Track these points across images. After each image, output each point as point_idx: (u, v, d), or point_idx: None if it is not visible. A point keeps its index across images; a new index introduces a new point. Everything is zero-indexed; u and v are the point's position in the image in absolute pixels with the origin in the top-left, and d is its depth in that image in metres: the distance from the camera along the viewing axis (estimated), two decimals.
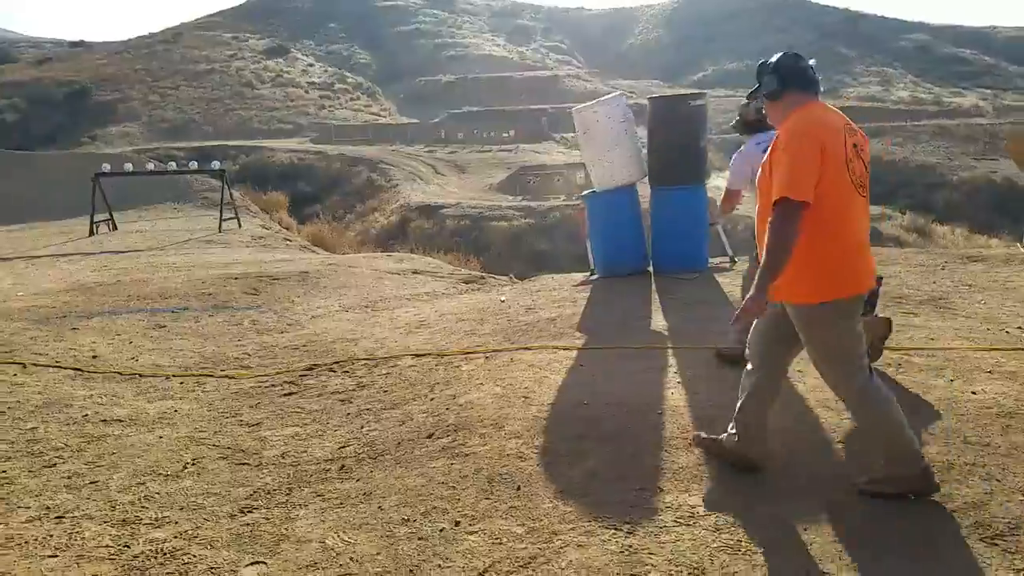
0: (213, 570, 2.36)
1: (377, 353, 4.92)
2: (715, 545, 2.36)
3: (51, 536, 2.58)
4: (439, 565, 2.34)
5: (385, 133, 44.19)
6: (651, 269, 6.92)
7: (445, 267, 10.75)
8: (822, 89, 2.59)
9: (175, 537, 2.57)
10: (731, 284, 5.98)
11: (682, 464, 2.91)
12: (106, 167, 13.89)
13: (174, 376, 4.49)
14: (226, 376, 4.51)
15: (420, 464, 3.10)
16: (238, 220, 14.27)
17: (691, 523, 2.49)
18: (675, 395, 3.67)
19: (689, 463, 2.91)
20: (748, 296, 2.44)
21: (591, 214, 7.13)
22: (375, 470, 3.08)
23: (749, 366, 2.80)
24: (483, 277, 9.57)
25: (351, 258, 10.87)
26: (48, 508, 2.79)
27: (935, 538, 2.30)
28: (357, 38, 72.54)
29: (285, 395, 4.13)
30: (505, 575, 2.26)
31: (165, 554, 2.45)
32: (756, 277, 2.41)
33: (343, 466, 3.14)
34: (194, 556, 2.44)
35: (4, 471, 3.10)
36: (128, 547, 2.50)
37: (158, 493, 2.91)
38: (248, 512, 2.75)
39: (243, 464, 3.19)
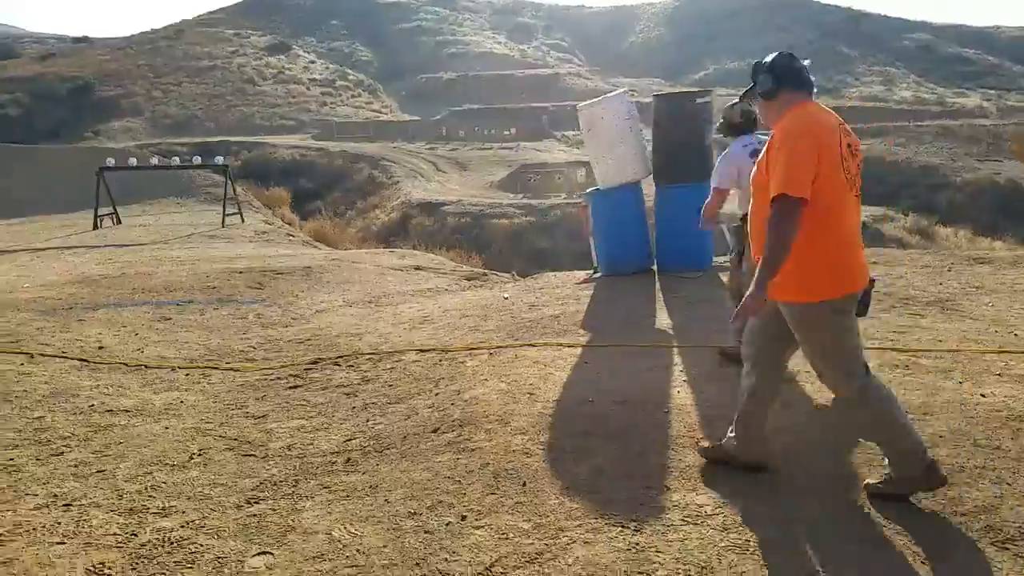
0: (220, 560, 2.36)
1: (381, 348, 4.93)
2: (723, 544, 2.34)
3: (59, 523, 2.59)
4: (446, 559, 2.34)
5: (386, 130, 44.17)
6: (655, 267, 6.92)
7: (447, 264, 10.76)
8: (816, 89, 2.58)
9: (182, 526, 2.57)
10: None
11: (689, 463, 2.91)
12: (110, 161, 13.92)
13: (180, 368, 4.50)
14: (231, 368, 4.52)
15: (426, 458, 3.10)
16: (241, 215, 14.28)
17: (698, 522, 2.48)
18: (681, 394, 3.67)
19: (696, 462, 2.91)
20: (747, 294, 2.43)
21: (595, 212, 7.12)
22: (381, 463, 3.08)
23: (745, 367, 2.81)
24: (485, 274, 9.58)
25: (354, 254, 10.89)
26: (56, 496, 2.80)
27: (946, 541, 2.29)
28: (359, 35, 72.49)
29: (290, 388, 4.14)
30: (512, 570, 2.26)
31: (172, 543, 2.46)
32: (755, 274, 2.40)
33: (349, 459, 3.14)
34: (201, 545, 2.45)
35: (12, 459, 3.11)
36: (135, 535, 2.51)
37: (165, 483, 2.92)
38: (254, 503, 2.76)
39: (249, 455, 3.20)
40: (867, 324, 4.65)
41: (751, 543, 2.34)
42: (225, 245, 10.94)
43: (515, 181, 30.66)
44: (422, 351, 4.77)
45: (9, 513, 2.65)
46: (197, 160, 15.28)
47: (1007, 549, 2.23)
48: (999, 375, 3.65)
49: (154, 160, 15.73)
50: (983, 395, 3.38)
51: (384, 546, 2.42)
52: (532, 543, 2.41)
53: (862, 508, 2.51)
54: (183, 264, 8.42)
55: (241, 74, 55.18)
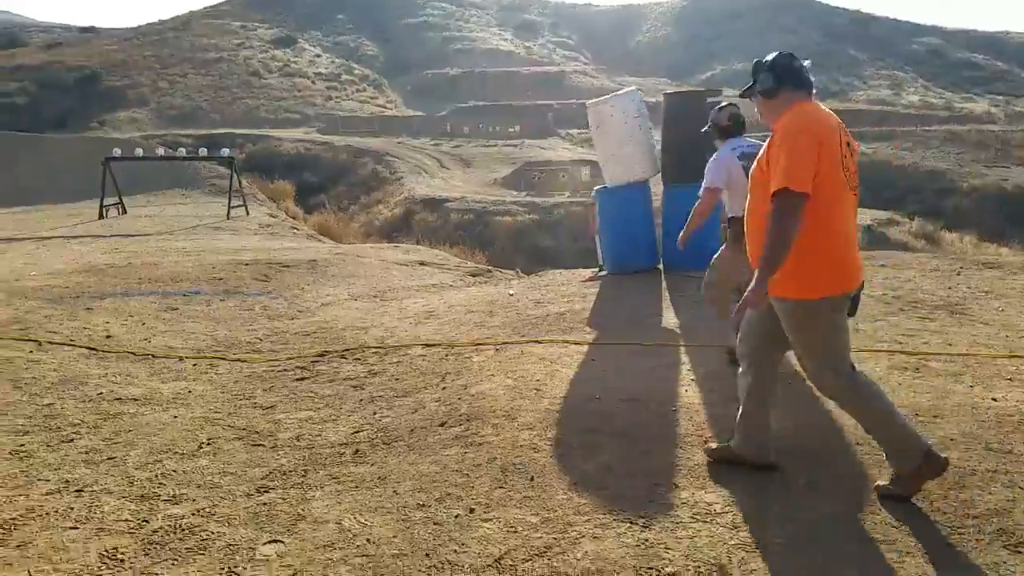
0: (231, 547, 2.38)
1: (387, 342, 4.94)
2: (732, 542, 2.34)
3: (71, 509, 2.61)
4: (455, 550, 2.36)
5: (391, 125, 44.18)
6: (660, 266, 6.93)
7: (452, 260, 10.78)
8: (815, 90, 2.60)
9: (193, 514, 2.59)
10: None
11: (697, 461, 2.91)
12: (117, 152, 13.94)
13: (187, 358, 4.52)
14: (239, 359, 4.54)
15: (433, 451, 3.12)
16: (246, 208, 14.30)
17: (708, 520, 2.48)
18: (689, 392, 3.69)
19: (704, 460, 2.91)
20: (748, 289, 2.44)
21: (602, 210, 7.13)
22: (389, 455, 3.10)
23: (742, 366, 2.81)
24: (490, 270, 9.60)
25: (359, 248, 10.90)
26: (67, 482, 2.82)
27: (957, 544, 2.29)
28: (365, 30, 72.47)
29: (298, 380, 4.16)
30: (521, 563, 2.27)
31: (184, 530, 2.48)
32: (756, 270, 2.41)
33: (357, 450, 3.16)
34: (212, 533, 2.46)
35: (23, 444, 3.14)
36: (147, 522, 2.53)
37: (175, 471, 2.94)
38: (264, 492, 2.78)
39: (258, 445, 3.22)
40: (875, 327, 4.67)
41: (760, 542, 2.34)
42: (230, 237, 10.96)
43: (519, 179, 30.65)
44: (428, 346, 4.79)
45: (22, 498, 2.67)
46: (203, 152, 15.28)
47: (1020, 552, 2.22)
48: (1010, 379, 3.65)
49: (160, 151, 15.76)
50: (994, 399, 3.38)
51: (394, 536, 2.44)
52: (541, 537, 2.42)
53: (872, 508, 2.51)
54: (189, 255, 8.44)
55: (247, 67, 55.20)
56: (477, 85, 58.94)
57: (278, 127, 41.46)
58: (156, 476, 2.88)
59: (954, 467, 2.64)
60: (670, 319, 5.27)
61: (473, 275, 8.63)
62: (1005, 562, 2.18)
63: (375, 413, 3.62)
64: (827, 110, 2.57)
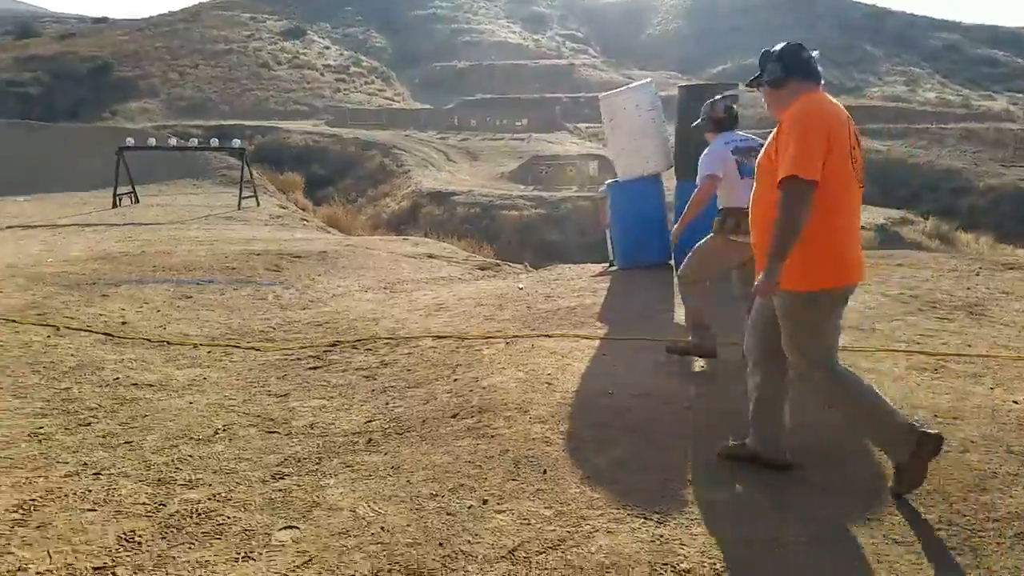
0: (247, 532, 2.41)
1: (398, 333, 4.96)
2: (748, 540, 2.34)
3: (89, 491, 2.64)
4: (468, 540, 2.37)
5: (399, 118, 44.11)
6: (672, 262, 6.92)
7: (460, 253, 10.80)
8: (823, 81, 2.59)
9: (209, 499, 2.62)
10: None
11: (711, 458, 2.91)
12: (130, 141, 14.00)
13: (201, 345, 4.56)
14: (252, 348, 4.57)
15: (446, 442, 3.14)
16: (256, 198, 14.34)
17: (722, 517, 2.48)
18: (703, 389, 3.69)
19: (720, 457, 2.90)
20: (758, 280, 2.44)
21: (613, 204, 7.11)
22: (402, 445, 3.12)
23: (749, 365, 2.81)
24: (498, 264, 9.60)
25: (368, 240, 10.94)
26: (86, 464, 2.85)
27: (978, 546, 2.27)
28: (373, 21, 72.30)
29: (311, 369, 4.19)
30: (535, 555, 2.28)
31: (200, 514, 2.51)
32: (767, 259, 2.41)
33: (370, 439, 3.18)
34: (228, 518, 2.49)
35: (41, 427, 3.18)
36: (164, 505, 2.56)
37: (191, 456, 2.97)
38: (280, 478, 2.80)
39: (273, 432, 3.25)
40: (892, 327, 4.66)
41: (777, 540, 2.33)
42: (242, 227, 11.01)
43: (526, 172, 30.58)
44: (439, 338, 4.80)
45: (41, 479, 2.71)
46: (215, 142, 15.32)
47: None
48: None
49: (172, 141, 15.82)
50: (1015, 402, 3.36)
51: (407, 525, 2.46)
52: (554, 530, 2.43)
53: (891, 509, 2.50)
54: (202, 244, 8.49)
55: (256, 58, 55.20)
56: (485, 78, 58.77)
57: (287, 119, 41.51)
58: (172, 461, 2.92)
59: (975, 470, 2.64)
60: (681, 315, 5.25)
61: (482, 268, 8.64)
62: None
63: (387, 403, 3.64)
64: (835, 101, 2.56)
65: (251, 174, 14.82)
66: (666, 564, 2.23)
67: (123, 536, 2.34)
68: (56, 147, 17.85)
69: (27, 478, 2.72)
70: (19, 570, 2.14)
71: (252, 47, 57.39)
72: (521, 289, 6.44)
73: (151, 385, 3.80)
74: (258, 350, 4.53)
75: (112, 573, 2.14)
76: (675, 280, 6.26)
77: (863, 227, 19.77)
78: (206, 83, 49.50)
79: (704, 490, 2.68)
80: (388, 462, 2.95)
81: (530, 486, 2.73)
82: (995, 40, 68.93)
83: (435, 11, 75.89)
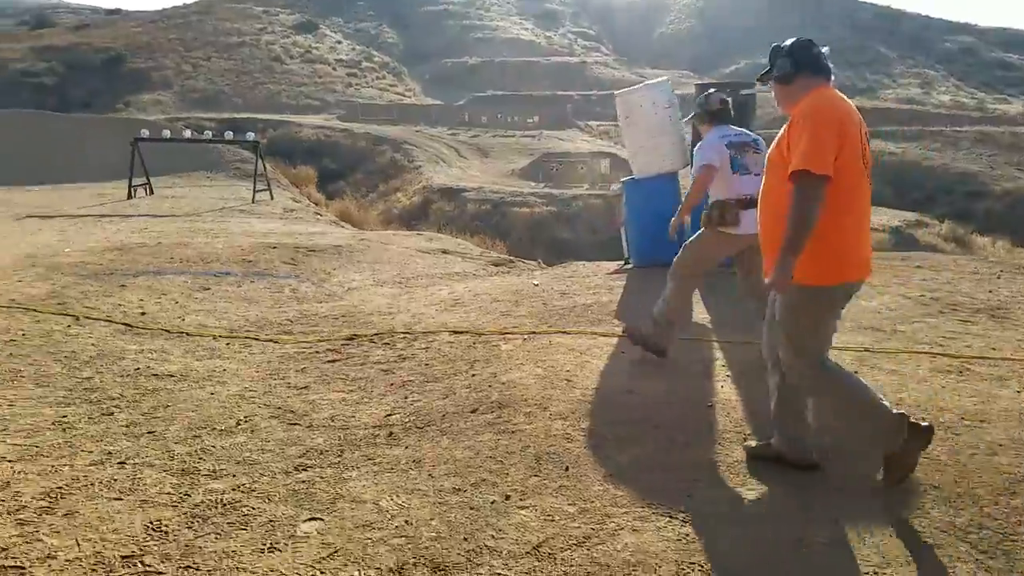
0: (272, 523, 2.41)
1: (415, 328, 4.96)
2: (774, 541, 2.32)
3: (115, 480, 2.65)
4: (492, 535, 2.36)
5: (410, 113, 44.14)
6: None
7: (474, 249, 10.80)
8: (833, 77, 2.57)
9: (233, 489, 2.62)
10: None
11: (736, 458, 2.89)
12: (145, 133, 14.07)
13: (220, 337, 4.57)
14: (271, 340, 4.58)
15: (467, 437, 3.13)
16: (270, 192, 14.39)
17: (748, 517, 2.46)
18: (725, 389, 3.67)
19: (744, 457, 2.89)
20: (772, 274, 2.43)
21: (629, 201, 7.09)
22: (422, 439, 3.12)
23: (768, 365, 2.80)
24: (512, 261, 9.60)
25: (382, 235, 10.95)
26: (110, 453, 2.86)
27: (1012, 550, 2.24)
28: (385, 17, 72.34)
29: (329, 362, 4.19)
30: (560, 552, 2.26)
31: (225, 504, 2.51)
32: (779, 254, 2.40)
33: (391, 433, 3.18)
34: (253, 508, 2.49)
35: (65, 416, 3.19)
36: (189, 495, 2.57)
37: (213, 447, 2.98)
38: (302, 470, 2.80)
39: (294, 424, 3.25)
40: (914, 328, 4.62)
41: (802, 542, 2.31)
42: (257, 220, 11.04)
43: (537, 170, 30.56)
44: (456, 333, 4.80)
45: (67, 468, 2.72)
46: (229, 135, 15.39)
47: None
48: None
49: (187, 133, 15.88)
50: None
51: (431, 519, 2.46)
52: (579, 527, 2.42)
53: (920, 512, 2.47)
54: (217, 236, 8.52)
55: (269, 52, 55.35)
56: (496, 74, 58.73)
57: (299, 113, 41.60)
58: (195, 451, 2.92)
59: (1004, 473, 2.61)
60: (700, 313, 5.24)
61: (495, 264, 8.63)
62: None
63: (406, 397, 3.64)
64: (845, 98, 2.54)
65: (265, 167, 14.86)
66: (692, 563, 2.21)
67: (150, 525, 2.35)
68: (71, 137, 17.95)
69: (53, 466, 2.73)
70: (48, 557, 2.15)
71: (265, 40, 57.56)
72: (536, 285, 6.42)
73: (172, 375, 3.81)
74: (276, 343, 4.54)
75: (140, 562, 2.15)
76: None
77: (877, 229, 19.73)
78: (219, 76, 49.68)
79: (729, 490, 2.66)
80: (409, 456, 2.95)
81: (552, 482, 2.72)
82: (1010, 43, 68.27)
83: (447, 7, 75.82)
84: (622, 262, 7.34)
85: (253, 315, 5.20)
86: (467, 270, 7.80)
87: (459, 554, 2.26)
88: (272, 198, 14.17)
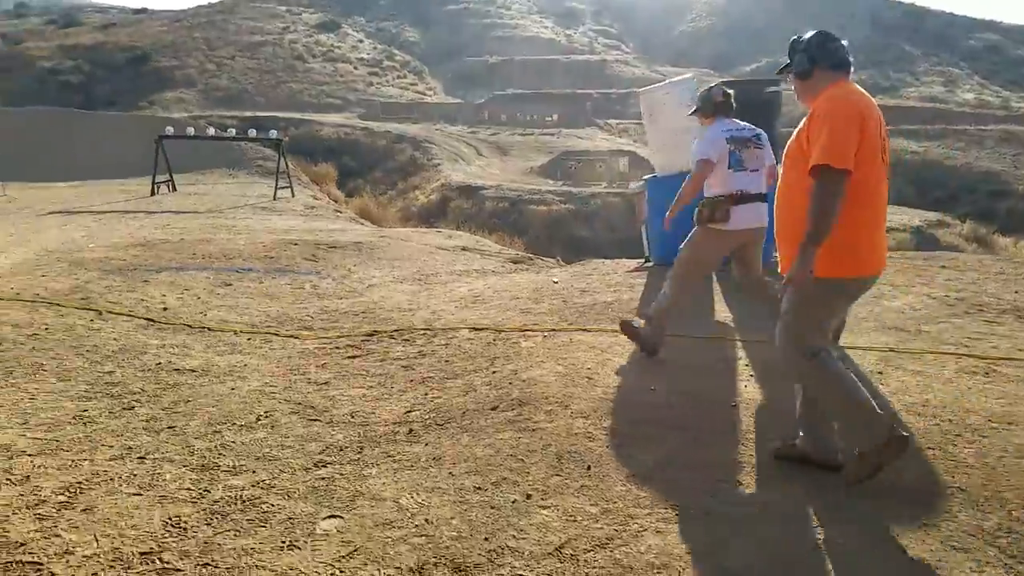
0: (292, 520, 2.38)
1: (435, 324, 4.93)
2: (801, 543, 2.27)
3: (134, 475, 2.64)
4: (514, 535, 2.32)
5: (430, 112, 44.31)
6: None
7: (493, 246, 10.77)
8: (853, 69, 2.54)
9: (252, 486, 2.60)
10: None
11: (762, 459, 2.84)
12: (169, 130, 14.21)
13: (241, 332, 4.57)
14: (291, 336, 4.57)
15: (487, 435, 3.09)
16: (291, 189, 14.47)
17: (774, 519, 2.41)
18: (749, 388, 3.60)
19: (768, 457, 2.84)
20: (792, 268, 2.42)
21: (651, 199, 7.00)
22: (442, 437, 3.08)
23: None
24: (531, 258, 9.56)
25: (402, 232, 10.96)
26: (130, 448, 2.85)
27: None
28: (406, 16, 72.67)
29: (349, 358, 4.17)
30: (583, 553, 2.22)
31: (244, 501, 2.49)
32: (800, 248, 2.39)
33: (411, 430, 3.15)
34: (272, 505, 2.47)
35: (86, 410, 3.19)
36: (208, 491, 2.54)
37: (233, 442, 2.96)
38: (322, 467, 2.78)
39: (314, 420, 3.23)
40: (939, 329, 4.51)
41: (829, 543, 2.26)
42: (278, 217, 11.10)
43: (555, 168, 30.52)
44: (476, 329, 4.76)
45: (87, 462, 2.72)
46: (252, 133, 15.51)
47: None
48: None
49: (210, 131, 16.03)
50: None
51: (452, 518, 2.42)
52: (601, 528, 2.37)
53: (947, 515, 2.41)
54: (240, 233, 8.57)
55: (291, 51, 55.84)
56: (516, 73, 58.73)
57: (320, 111, 41.90)
58: (215, 447, 2.91)
59: None
60: (722, 312, 5.16)
61: (514, 262, 8.60)
62: None
63: (426, 394, 3.61)
64: (864, 92, 2.51)
65: (287, 165, 14.95)
66: (716, 565, 2.16)
67: (169, 521, 2.33)
68: (97, 135, 18.20)
69: (73, 460, 2.72)
70: (66, 553, 2.13)
71: (288, 40, 58.07)
72: (556, 283, 6.37)
73: (193, 371, 3.81)
74: (297, 338, 4.53)
75: (159, 559, 2.13)
76: (714, 277, 6.20)
77: (898, 229, 19.42)
78: (242, 74, 50.19)
79: (753, 490, 2.62)
80: (429, 453, 2.92)
81: (574, 482, 2.67)
82: None
83: (468, 6, 75.95)
84: (642, 260, 7.26)
85: (274, 311, 5.20)
86: (486, 267, 7.76)
87: (480, 554, 2.22)
88: (293, 195, 14.24)
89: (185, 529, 2.29)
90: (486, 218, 21.80)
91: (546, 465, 2.80)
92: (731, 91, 3.98)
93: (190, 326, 4.60)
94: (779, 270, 2.63)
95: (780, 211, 2.62)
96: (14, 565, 2.06)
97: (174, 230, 8.66)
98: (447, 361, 4.12)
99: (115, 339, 4.18)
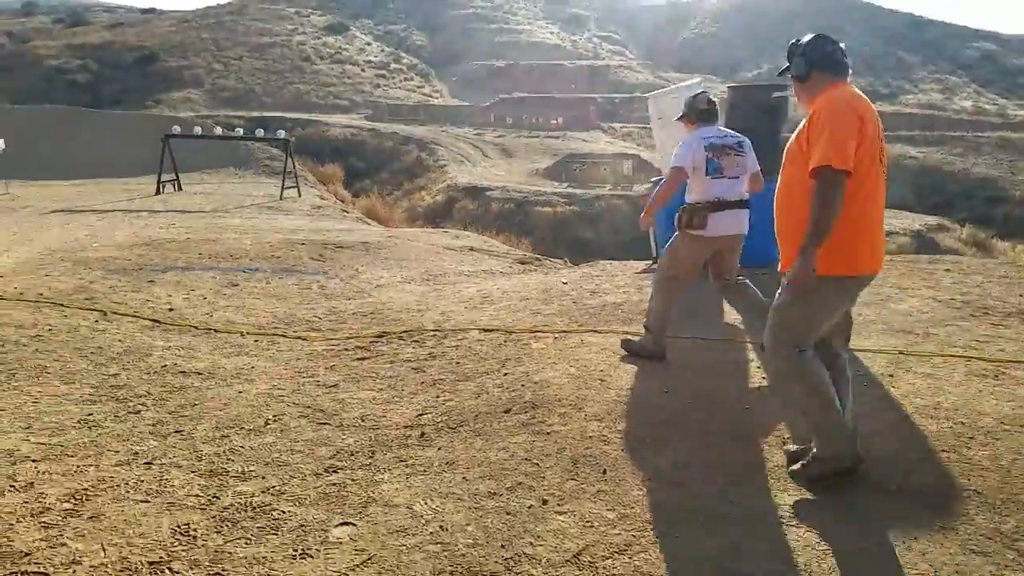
0: (303, 527, 2.31)
1: (444, 325, 4.87)
2: (819, 548, 2.24)
3: (141, 482, 2.57)
4: (531, 542, 2.26)
5: (436, 114, 44.31)
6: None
7: (500, 247, 10.72)
8: (851, 71, 2.59)
9: (262, 492, 2.53)
10: None
11: (776, 462, 2.80)
12: (176, 129, 14.17)
13: (248, 333, 4.51)
14: (299, 337, 4.51)
15: (500, 438, 3.03)
16: (298, 189, 14.44)
17: (793, 523, 2.38)
18: (762, 390, 3.57)
19: (783, 461, 2.79)
20: (795, 268, 2.43)
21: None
22: (455, 440, 3.02)
23: None
24: (539, 259, 9.51)
25: (409, 232, 10.91)
26: (136, 454, 2.79)
27: None
28: (414, 19, 72.75)
29: (358, 360, 4.10)
30: (601, 560, 2.17)
31: (254, 508, 2.42)
32: (801, 248, 2.41)
33: (423, 433, 3.08)
34: (283, 512, 2.40)
35: (91, 414, 3.13)
36: (217, 498, 2.48)
37: (242, 447, 2.89)
38: (333, 472, 2.71)
39: (324, 424, 3.16)
40: (947, 331, 4.47)
41: (849, 547, 2.23)
42: (284, 217, 11.06)
43: (560, 170, 30.46)
44: (486, 331, 4.70)
45: (92, 468, 2.65)
46: (260, 133, 15.48)
47: None
48: None
49: (218, 130, 16.00)
50: None
51: (467, 524, 2.35)
52: (619, 534, 2.32)
53: (965, 519, 2.38)
54: (246, 233, 8.52)
55: (299, 52, 55.88)
56: (522, 77, 58.70)
57: (327, 112, 41.91)
58: (224, 451, 2.84)
59: None
60: (732, 314, 5.09)
61: (522, 263, 8.54)
62: None
63: (438, 396, 3.54)
64: (861, 94, 2.54)
65: (294, 165, 14.92)
66: (735, 570, 2.12)
67: (178, 529, 2.26)
68: (103, 134, 18.20)
69: (78, 466, 2.66)
70: (73, 563, 2.06)
71: (295, 41, 58.12)
72: (565, 284, 6.31)
73: (199, 373, 3.74)
74: (305, 340, 4.47)
75: (168, 568, 2.06)
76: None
77: (898, 232, 19.34)
78: (249, 75, 50.24)
79: (772, 494, 2.58)
80: (442, 457, 2.85)
81: (591, 487, 2.62)
82: None
83: (475, 10, 76.01)
84: (650, 261, 7.19)
85: (281, 312, 5.13)
86: (494, 268, 7.70)
87: (497, 562, 2.16)
88: (300, 195, 14.21)
89: (195, 537, 2.23)
90: (492, 219, 21.74)
91: (561, 469, 2.75)
92: (715, 99, 4.03)
93: (196, 327, 4.54)
94: (779, 269, 2.65)
95: (780, 211, 2.64)
96: (20, 575, 2.00)
97: (180, 229, 8.62)
98: (458, 363, 4.06)
99: (120, 340, 4.12)
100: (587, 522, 2.38)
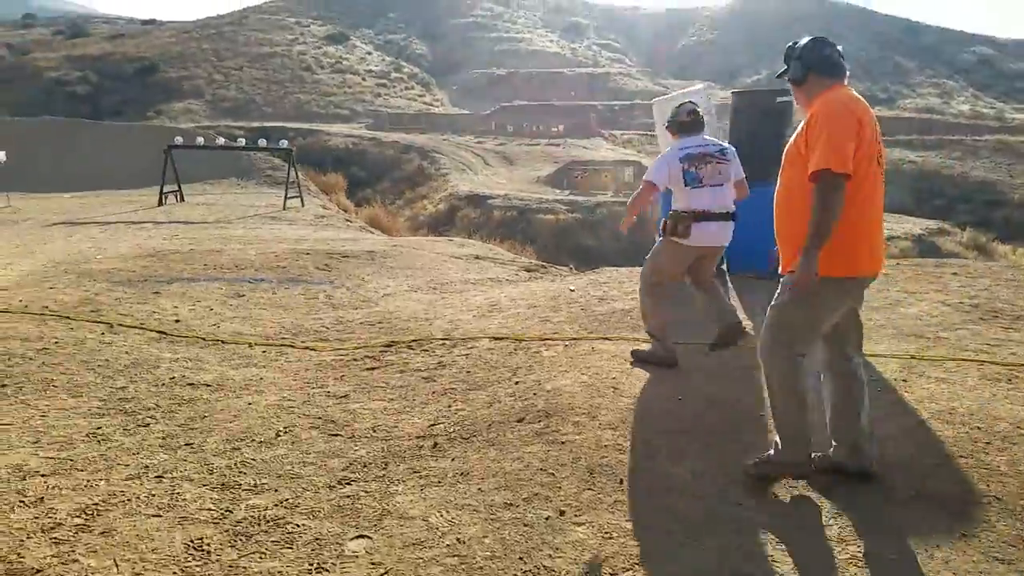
0: (318, 541, 2.28)
1: (453, 334, 4.83)
2: (841, 557, 2.21)
3: (153, 496, 2.53)
4: (549, 555, 2.22)
5: (437, 123, 44.43)
6: (725, 267, 6.69)
7: (505, 254, 10.68)
8: (849, 74, 2.59)
9: (275, 505, 2.50)
10: None
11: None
12: (179, 140, 14.17)
13: (256, 344, 4.47)
14: (307, 348, 4.47)
15: (515, 448, 2.99)
16: (301, 199, 14.42)
17: (813, 532, 2.35)
18: None
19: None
20: (797, 271, 2.43)
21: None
22: (468, 450, 2.98)
23: (820, 375, 2.77)
24: (544, 266, 9.46)
25: (414, 241, 10.88)
26: (147, 467, 2.75)
27: None
28: (414, 29, 73.06)
29: (368, 370, 4.07)
30: (621, 572, 2.14)
31: (268, 521, 2.38)
32: (803, 250, 2.41)
33: (436, 444, 3.04)
34: (298, 526, 2.36)
35: (100, 427, 3.09)
36: (231, 512, 2.44)
37: (254, 459, 2.86)
38: (346, 484, 2.67)
39: (335, 435, 3.12)
40: (958, 335, 4.43)
41: (870, 555, 2.20)
42: (288, 227, 11.05)
43: (561, 177, 30.49)
44: (496, 339, 4.66)
45: (103, 482, 2.61)
46: (262, 143, 15.48)
47: None
48: None
49: (220, 141, 16.01)
50: None
51: (484, 537, 2.31)
52: (638, 544, 2.28)
53: (985, 525, 2.35)
54: (250, 243, 8.50)
55: (300, 62, 56.10)
56: (522, 85, 58.89)
57: (328, 122, 42.03)
58: (235, 464, 2.80)
59: None
60: (742, 320, 5.04)
61: (528, 270, 8.49)
62: None
63: (450, 406, 3.50)
64: (859, 96, 2.53)
65: (296, 175, 14.91)
66: None
67: (191, 544, 2.22)
68: (104, 145, 18.21)
69: (88, 481, 2.62)
70: None
71: (296, 51, 58.35)
72: (573, 291, 6.27)
73: (208, 385, 3.71)
74: (313, 350, 4.43)
75: None
76: (729, 285, 6.11)
77: (900, 237, 19.30)
78: (250, 85, 50.42)
79: (790, 503, 2.55)
80: (456, 468, 2.81)
81: (608, 497, 2.58)
82: None
83: (475, 19, 76.34)
84: None
85: (288, 322, 5.10)
86: (500, 276, 7.66)
87: (516, 575, 2.11)
88: (303, 205, 14.19)
89: (208, 552, 2.19)
90: (494, 227, 21.75)
91: (577, 479, 2.71)
92: (699, 109, 4.07)
93: (203, 339, 4.51)
94: (779, 270, 2.65)
95: (779, 213, 2.64)
96: None
97: (184, 240, 8.60)
98: (468, 372, 4.02)
99: (127, 353, 4.08)
100: (606, 533, 2.34)
